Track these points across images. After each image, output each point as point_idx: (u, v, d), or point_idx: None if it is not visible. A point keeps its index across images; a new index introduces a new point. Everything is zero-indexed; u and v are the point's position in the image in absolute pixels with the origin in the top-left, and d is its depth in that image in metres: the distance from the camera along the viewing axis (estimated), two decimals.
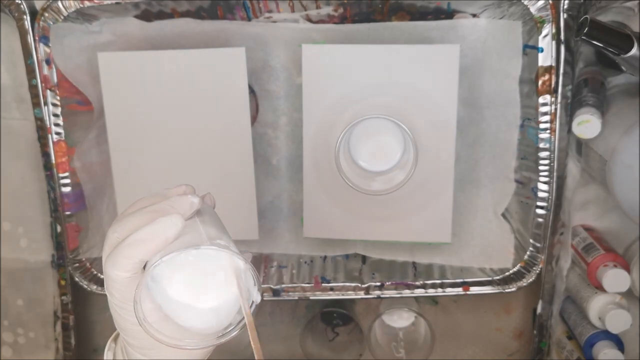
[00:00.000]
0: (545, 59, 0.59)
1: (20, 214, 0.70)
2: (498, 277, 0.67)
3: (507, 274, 0.67)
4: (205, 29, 0.64)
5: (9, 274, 0.72)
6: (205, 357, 0.41)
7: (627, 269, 0.60)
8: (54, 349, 0.73)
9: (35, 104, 0.64)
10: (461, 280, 0.67)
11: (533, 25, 0.59)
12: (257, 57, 0.65)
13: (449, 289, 0.67)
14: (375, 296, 0.68)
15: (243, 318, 0.36)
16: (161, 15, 0.63)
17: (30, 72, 0.63)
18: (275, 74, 0.66)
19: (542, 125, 0.61)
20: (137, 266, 0.35)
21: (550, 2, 0.58)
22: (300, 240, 0.70)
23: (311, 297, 0.69)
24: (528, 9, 0.58)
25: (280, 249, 0.70)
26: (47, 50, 0.62)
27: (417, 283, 0.67)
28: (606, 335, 0.62)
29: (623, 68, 0.57)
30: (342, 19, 0.63)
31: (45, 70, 0.63)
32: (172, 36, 0.64)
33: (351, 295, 0.68)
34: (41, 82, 0.63)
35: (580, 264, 0.63)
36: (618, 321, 0.60)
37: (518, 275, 0.66)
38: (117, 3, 0.61)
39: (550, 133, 0.61)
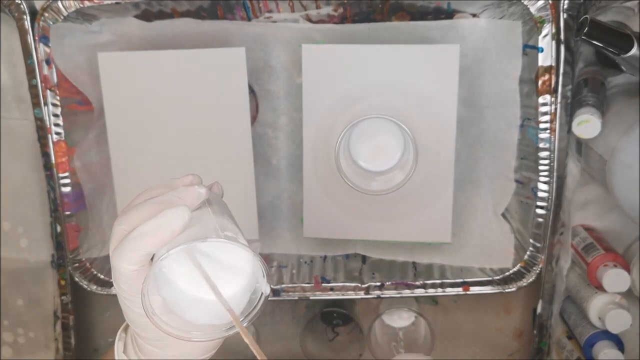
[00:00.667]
0: (545, 59, 0.59)
1: (20, 214, 0.70)
2: (498, 277, 0.67)
3: (507, 274, 0.67)
4: (205, 29, 0.64)
5: (9, 274, 0.72)
6: (214, 350, 0.41)
7: (627, 269, 0.60)
8: (54, 349, 0.73)
9: (35, 104, 0.64)
10: (461, 280, 0.67)
11: (533, 25, 0.59)
12: (257, 57, 0.65)
13: (449, 289, 0.67)
14: (375, 296, 0.68)
15: (252, 310, 0.36)
16: (161, 15, 0.63)
17: (30, 72, 0.63)
18: (275, 74, 0.66)
19: (542, 125, 0.61)
20: (143, 259, 0.35)
21: (550, 2, 0.58)
22: (300, 240, 0.70)
23: (311, 297, 0.69)
24: (528, 8, 0.58)
25: (280, 249, 0.70)
26: (47, 50, 0.62)
27: (417, 283, 0.67)
28: (606, 335, 0.62)
29: (623, 68, 0.57)
30: (342, 19, 0.63)
31: (45, 70, 0.63)
32: (172, 36, 0.64)
33: (351, 295, 0.68)
34: (41, 82, 0.63)
35: (580, 264, 0.63)
36: (618, 321, 0.60)
37: (518, 275, 0.66)
38: (117, 3, 0.61)
39: (550, 133, 0.61)
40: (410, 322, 0.72)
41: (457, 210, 0.67)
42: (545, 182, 0.62)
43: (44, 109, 0.64)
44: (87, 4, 0.61)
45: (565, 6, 0.58)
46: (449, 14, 0.62)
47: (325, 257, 0.71)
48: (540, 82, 0.60)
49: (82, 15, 0.62)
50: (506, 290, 0.66)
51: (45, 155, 0.65)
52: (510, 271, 0.67)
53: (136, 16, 0.63)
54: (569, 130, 0.60)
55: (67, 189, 0.66)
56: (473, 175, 0.67)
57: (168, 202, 0.36)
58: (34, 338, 0.74)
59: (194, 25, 0.64)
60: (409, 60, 0.61)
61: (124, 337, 0.43)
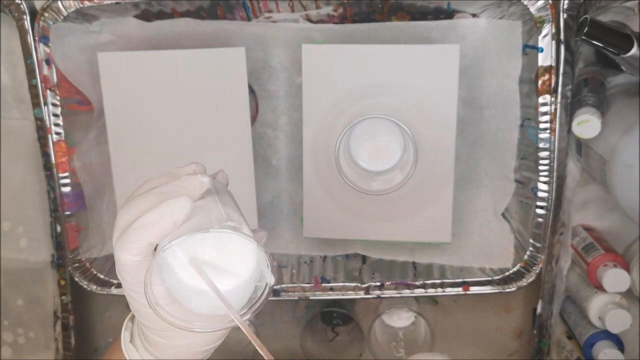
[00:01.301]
0: (545, 59, 0.59)
1: (20, 214, 0.70)
2: (498, 277, 0.67)
3: (507, 273, 0.67)
4: (205, 29, 0.64)
5: (9, 274, 0.72)
6: (222, 338, 0.40)
7: (627, 268, 0.60)
8: (54, 349, 0.73)
9: (35, 104, 0.64)
10: (461, 280, 0.67)
11: (533, 25, 0.59)
12: (257, 57, 0.65)
13: (449, 289, 0.67)
14: (375, 296, 0.68)
15: (256, 301, 0.36)
16: (161, 15, 0.63)
17: (30, 72, 0.63)
18: (275, 74, 0.66)
19: (542, 125, 0.61)
20: (146, 250, 0.35)
21: (550, 2, 0.58)
22: (300, 240, 0.70)
23: (311, 297, 0.69)
24: (528, 8, 0.58)
25: (280, 249, 0.70)
26: (47, 50, 0.62)
27: (417, 283, 0.67)
28: (606, 335, 0.62)
29: (623, 68, 0.57)
30: (342, 19, 0.63)
31: (45, 70, 0.63)
32: (172, 36, 0.64)
33: (351, 295, 0.68)
34: (41, 82, 0.63)
35: (580, 264, 0.63)
36: (618, 321, 0.60)
37: (518, 275, 0.66)
38: (117, 3, 0.61)
39: (550, 133, 0.61)
40: (410, 322, 0.72)
41: (457, 210, 0.67)
42: (545, 182, 0.62)
43: (44, 109, 0.64)
44: (87, 4, 0.61)
45: (565, 6, 0.58)
46: (449, 14, 0.62)
47: (325, 257, 0.71)
48: (540, 82, 0.60)
49: (82, 15, 0.62)
50: (506, 290, 0.66)
51: (45, 155, 0.65)
52: (510, 271, 0.67)
53: (136, 16, 0.63)
54: (569, 130, 0.60)
55: (67, 189, 0.66)
56: (473, 175, 0.67)
57: (170, 192, 0.36)
58: (34, 338, 0.74)
59: (194, 25, 0.64)
60: (409, 60, 0.61)
61: (131, 326, 0.43)
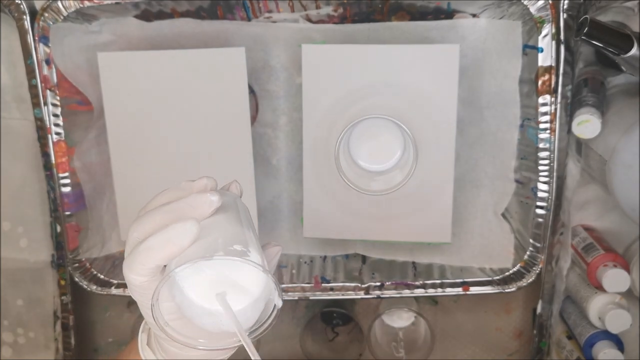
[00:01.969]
0: (545, 59, 0.59)
1: (20, 214, 0.70)
2: (498, 277, 0.67)
3: (507, 274, 0.67)
4: (205, 29, 0.64)
5: (9, 274, 0.72)
6: (232, 352, 0.41)
7: (627, 269, 0.60)
8: (54, 349, 0.73)
9: (35, 104, 0.64)
10: (461, 280, 0.67)
11: (533, 25, 0.59)
12: (257, 57, 0.65)
13: (449, 289, 0.67)
14: (375, 296, 0.68)
15: (263, 324, 0.36)
16: (161, 15, 0.63)
17: (30, 72, 0.63)
18: (275, 74, 0.66)
19: (542, 125, 0.61)
20: (153, 271, 0.35)
21: (550, 2, 0.58)
22: (300, 240, 0.70)
23: (311, 297, 0.68)
24: (528, 9, 0.58)
25: None
26: (47, 50, 0.62)
27: (417, 283, 0.67)
28: (606, 335, 0.62)
29: (623, 68, 0.57)
30: (342, 19, 0.63)
31: (45, 70, 0.63)
32: (172, 36, 0.64)
33: (351, 295, 0.68)
34: (41, 82, 0.63)
35: (580, 264, 0.63)
36: (618, 321, 0.60)
37: (518, 275, 0.66)
38: (117, 3, 0.61)
39: (550, 133, 0.61)
40: (410, 322, 0.72)
41: (457, 210, 0.67)
42: (545, 182, 0.62)
43: (44, 109, 0.64)
44: (87, 4, 0.61)
45: (565, 6, 0.58)
46: (449, 14, 0.62)
47: (325, 257, 0.71)
48: (540, 82, 0.60)
49: (82, 15, 0.62)
50: (506, 290, 0.66)
51: (45, 155, 0.65)
52: (510, 271, 0.67)
53: (136, 16, 0.63)
54: (569, 130, 0.60)
55: (67, 189, 0.66)
56: (473, 175, 0.67)
57: (179, 211, 0.36)
58: (34, 338, 0.74)
59: (194, 25, 0.64)
60: (409, 60, 0.61)
61: (148, 328, 0.43)
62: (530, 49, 0.60)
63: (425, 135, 0.62)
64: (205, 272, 0.35)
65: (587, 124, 0.56)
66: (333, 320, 0.75)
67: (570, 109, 0.60)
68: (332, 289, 0.68)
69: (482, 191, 0.67)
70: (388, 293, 0.68)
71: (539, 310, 0.68)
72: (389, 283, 0.68)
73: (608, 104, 0.60)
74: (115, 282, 0.69)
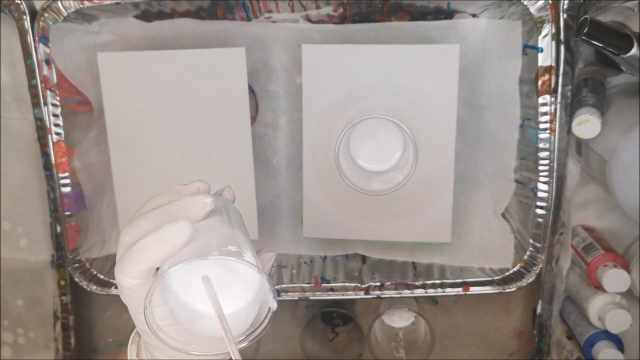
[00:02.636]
0: (545, 59, 0.59)
1: (20, 214, 0.70)
2: (498, 277, 0.67)
3: (507, 274, 0.67)
4: (205, 29, 0.64)
5: (9, 274, 0.72)
6: (226, 358, 0.40)
7: (627, 269, 0.60)
8: (53, 349, 0.73)
9: (35, 104, 0.64)
10: (461, 280, 0.67)
11: (533, 25, 0.59)
12: (257, 57, 0.65)
13: (448, 289, 0.67)
14: (375, 296, 0.68)
15: (257, 327, 0.36)
16: (161, 16, 0.63)
17: (30, 72, 0.63)
18: (275, 74, 0.66)
19: (542, 125, 0.61)
20: (145, 273, 0.35)
21: (550, 2, 0.58)
22: (300, 240, 0.70)
23: (311, 297, 0.68)
24: (528, 9, 0.58)
25: (280, 249, 0.70)
26: (47, 50, 0.62)
27: (417, 283, 0.67)
28: (606, 335, 0.62)
29: (623, 68, 0.57)
30: (342, 19, 0.63)
31: (45, 71, 0.63)
32: (172, 36, 0.64)
33: (351, 295, 0.68)
34: (41, 82, 0.63)
35: (580, 264, 0.63)
36: (618, 321, 0.60)
37: (518, 275, 0.66)
38: (117, 3, 0.61)
39: (550, 133, 0.61)
40: (410, 322, 0.72)
41: (457, 210, 0.67)
42: (545, 182, 0.62)
43: (44, 109, 0.64)
44: (87, 4, 0.61)
45: (565, 6, 0.58)
46: (449, 14, 0.62)
47: (325, 257, 0.71)
48: (540, 82, 0.60)
49: (82, 16, 0.62)
50: (506, 290, 0.66)
51: (45, 155, 0.65)
52: (510, 271, 0.67)
53: (136, 16, 0.63)
54: (569, 130, 0.60)
55: (67, 189, 0.66)
56: (473, 175, 0.67)
57: (172, 213, 0.36)
58: (34, 338, 0.74)
59: (194, 25, 0.64)
60: (409, 60, 0.61)
61: (137, 340, 0.42)
62: (530, 49, 0.60)
63: (425, 135, 0.62)
64: (198, 274, 0.34)
65: (587, 124, 0.56)
66: (333, 320, 0.75)
67: (570, 109, 0.60)
68: (332, 289, 0.68)
69: (482, 191, 0.67)
70: (388, 293, 0.68)
71: (539, 310, 0.68)
72: (389, 283, 0.68)
73: (608, 104, 0.60)
74: (115, 282, 0.69)
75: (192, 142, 0.64)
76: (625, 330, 0.61)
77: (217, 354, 0.37)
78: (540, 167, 0.62)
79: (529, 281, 0.66)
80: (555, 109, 0.60)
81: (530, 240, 0.65)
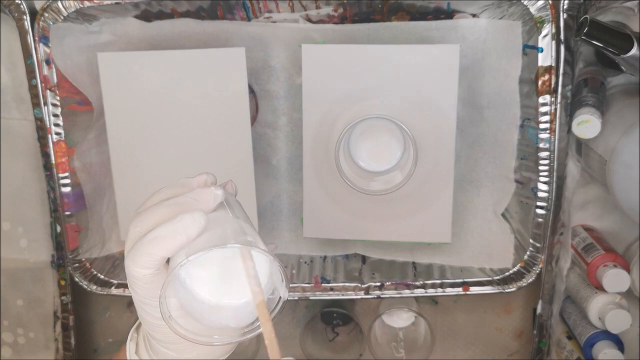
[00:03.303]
0: (545, 59, 0.59)
1: (20, 214, 0.70)
2: (498, 277, 0.67)
3: (507, 274, 0.67)
4: (205, 29, 0.64)
5: (9, 274, 0.72)
6: (229, 353, 0.40)
7: (627, 269, 0.60)
8: (54, 349, 0.73)
9: (35, 104, 0.64)
10: (461, 280, 0.67)
11: (533, 25, 0.59)
12: (257, 57, 0.65)
13: (449, 289, 0.67)
14: (375, 296, 0.68)
15: (269, 313, 0.36)
16: (161, 16, 0.63)
17: (30, 72, 0.63)
18: (275, 74, 0.66)
19: (542, 125, 0.61)
20: (158, 263, 0.35)
21: (550, 2, 0.58)
22: (300, 240, 0.70)
23: (311, 297, 0.69)
24: (528, 9, 0.58)
25: (280, 249, 0.70)
26: (47, 50, 0.62)
27: (417, 283, 0.67)
28: (606, 335, 0.62)
29: (623, 68, 0.57)
30: (342, 19, 0.63)
31: (45, 71, 0.63)
32: (172, 36, 0.64)
33: (351, 295, 0.68)
34: (41, 82, 0.63)
35: (580, 264, 0.63)
36: (618, 321, 0.60)
37: (518, 275, 0.66)
38: (117, 3, 0.61)
39: (550, 133, 0.61)
40: (410, 322, 0.72)
41: (457, 210, 0.67)
42: (545, 182, 0.62)
43: (44, 109, 0.64)
44: (87, 4, 0.61)
45: (565, 6, 0.58)
46: (449, 14, 0.62)
47: (325, 257, 0.71)
48: (540, 82, 0.60)
49: (82, 16, 0.62)
50: (506, 290, 0.66)
51: (45, 155, 0.65)
52: (510, 271, 0.67)
53: (136, 16, 0.63)
54: (569, 130, 0.60)
55: (67, 189, 0.66)
56: (473, 175, 0.67)
57: (184, 204, 0.36)
58: (34, 338, 0.74)
59: (194, 25, 0.64)
60: (409, 60, 0.61)
61: (136, 337, 0.42)
62: (530, 49, 0.60)
63: (425, 135, 0.62)
64: (208, 266, 0.35)
65: (587, 124, 0.56)
66: (333, 320, 0.75)
67: (570, 109, 0.60)
68: (332, 289, 0.68)
69: (482, 191, 0.67)
70: (388, 293, 0.68)
71: (539, 310, 0.68)
72: (389, 283, 0.68)
73: (608, 104, 0.60)
74: (115, 282, 0.69)
75: (192, 142, 0.64)
76: (625, 330, 0.61)
77: (230, 342, 0.37)
78: (540, 167, 0.62)
79: (529, 281, 0.66)
80: (555, 109, 0.60)
81: (530, 240, 0.65)
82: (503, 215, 0.67)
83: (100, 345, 0.77)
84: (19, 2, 0.61)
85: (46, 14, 0.61)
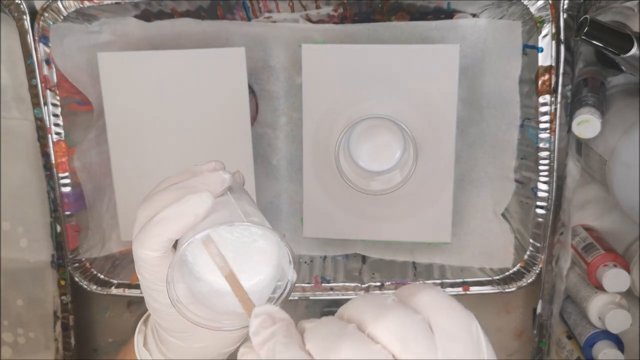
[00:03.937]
0: (545, 59, 0.59)
1: (20, 214, 0.70)
2: (498, 277, 0.67)
3: (507, 273, 0.67)
4: (205, 29, 0.64)
5: (9, 274, 0.72)
6: (237, 344, 0.40)
7: (627, 268, 0.60)
8: (54, 349, 0.73)
9: (35, 104, 0.64)
10: (461, 280, 0.67)
11: (533, 25, 0.59)
12: (257, 57, 0.65)
13: (449, 289, 0.67)
14: None
15: (278, 298, 0.36)
16: (161, 15, 0.63)
17: (30, 72, 0.63)
18: (275, 74, 0.66)
19: (542, 125, 0.61)
20: (166, 245, 0.34)
21: (550, 2, 0.58)
22: (300, 240, 0.70)
23: (311, 297, 0.68)
24: (528, 8, 0.58)
25: None
26: (47, 50, 0.62)
27: (417, 283, 0.67)
28: (606, 335, 0.62)
29: (623, 68, 0.57)
30: (342, 19, 0.63)
31: (45, 70, 0.63)
32: (172, 36, 0.64)
33: (351, 295, 0.68)
34: (41, 82, 0.63)
35: (580, 264, 0.63)
36: (618, 321, 0.60)
37: (518, 275, 0.66)
38: (117, 3, 0.61)
39: (550, 133, 0.61)
40: None
41: (457, 210, 0.67)
42: (545, 182, 0.62)
43: (44, 109, 0.64)
44: (87, 4, 0.61)
45: (565, 6, 0.58)
46: (449, 14, 0.62)
47: (325, 257, 0.71)
48: (540, 82, 0.60)
49: (82, 15, 0.62)
50: (506, 290, 0.66)
51: (45, 155, 0.65)
52: (510, 271, 0.67)
53: (136, 16, 0.63)
54: (569, 130, 0.60)
55: (67, 189, 0.66)
56: (473, 175, 0.67)
57: (191, 187, 0.36)
58: (34, 338, 0.74)
59: (194, 25, 0.64)
60: (409, 60, 0.61)
61: (144, 330, 0.42)
62: (530, 49, 0.60)
63: (425, 135, 0.62)
64: (218, 246, 0.34)
65: (587, 124, 0.56)
66: None
67: (570, 109, 0.60)
68: (332, 289, 0.68)
69: (482, 191, 0.67)
70: (388, 293, 0.68)
71: (539, 310, 0.68)
72: (389, 283, 0.68)
73: (608, 104, 0.60)
74: (115, 282, 0.69)
75: (192, 142, 0.64)
76: (625, 330, 0.61)
77: (241, 327, 0.36)
78: (540, 167, 0.62)
79: (529, 281, 0.65)
80: (555, 109, 0.60)
81: (530, 240, 0.65)
82: (503, 215, 0.67)
83: (100, 345, 0.77)
84: (19, 2, 0.61)
85: (46, 14, 0.61)
